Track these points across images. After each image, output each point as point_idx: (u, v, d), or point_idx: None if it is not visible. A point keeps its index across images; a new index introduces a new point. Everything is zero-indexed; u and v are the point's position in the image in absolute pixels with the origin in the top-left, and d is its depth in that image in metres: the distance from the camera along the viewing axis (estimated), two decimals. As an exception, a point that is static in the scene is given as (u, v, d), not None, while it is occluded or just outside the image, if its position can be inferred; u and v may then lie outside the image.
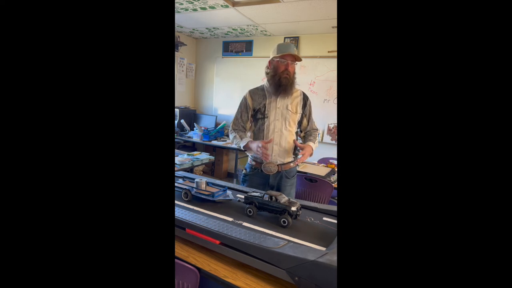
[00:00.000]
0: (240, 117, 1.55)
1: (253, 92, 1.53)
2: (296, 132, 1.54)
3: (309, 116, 1.57)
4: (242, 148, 1.50)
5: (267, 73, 1.49)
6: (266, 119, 1.49)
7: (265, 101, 1.49)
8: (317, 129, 1.61)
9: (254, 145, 1.41)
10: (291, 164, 1.53)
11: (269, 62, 1.49)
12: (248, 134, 1.59)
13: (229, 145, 3.38)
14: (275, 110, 1.48)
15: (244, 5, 2.54)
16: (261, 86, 1.55)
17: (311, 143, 1.52)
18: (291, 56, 1.41)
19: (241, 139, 1.50)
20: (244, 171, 1.61)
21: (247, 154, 1.61)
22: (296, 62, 1.45)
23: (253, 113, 1.53)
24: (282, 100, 1.48)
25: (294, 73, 1.47)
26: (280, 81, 1.42)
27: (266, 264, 0.74)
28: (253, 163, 1.55)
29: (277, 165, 1.49)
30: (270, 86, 1.47)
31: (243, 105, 1.54)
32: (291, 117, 1.48)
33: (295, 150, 1.55)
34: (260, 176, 1.53)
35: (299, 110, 1.51)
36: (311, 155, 1.51)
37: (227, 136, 3.73)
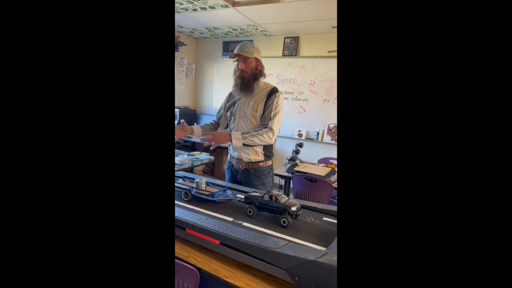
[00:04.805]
0: (217, 113, 1.70)
1: (230, 93, 1.64)
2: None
3: (264, 110, 1.46)
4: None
5: None
6: (233, 116, 1.56)
7: (234, 100, 1.57)
8: (266, 127, 1.43)
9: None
10: (260, 164, 1.53)
11: None
12: (219, 129, 1.69)
13: (229, 145, 3.37)
14: (239, 108, 1.52)
15: (244, 5, 2.54)
16: None
17: (236, 133, 1.40)
18: (240, 55, 1.44)
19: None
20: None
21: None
22: (250, 58, 1.44)
23: (226, 111, 1.62)
24: (246, 98, 1.51)
25: (257, 68, 1.48)
26: (236, 81, 1.49)
27: (266, 264, 0.74)
28: (229, 157, 1.64)
29: (245, 162, 1.52)
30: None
31: (223, 103, 1.69)
32: (251, 114, 1.48)
33: (267, 151, 1.54)
34: (231, 170, 1.61)
35: (260, 107, 1.47)
36: (235, 143, 1.38)
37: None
